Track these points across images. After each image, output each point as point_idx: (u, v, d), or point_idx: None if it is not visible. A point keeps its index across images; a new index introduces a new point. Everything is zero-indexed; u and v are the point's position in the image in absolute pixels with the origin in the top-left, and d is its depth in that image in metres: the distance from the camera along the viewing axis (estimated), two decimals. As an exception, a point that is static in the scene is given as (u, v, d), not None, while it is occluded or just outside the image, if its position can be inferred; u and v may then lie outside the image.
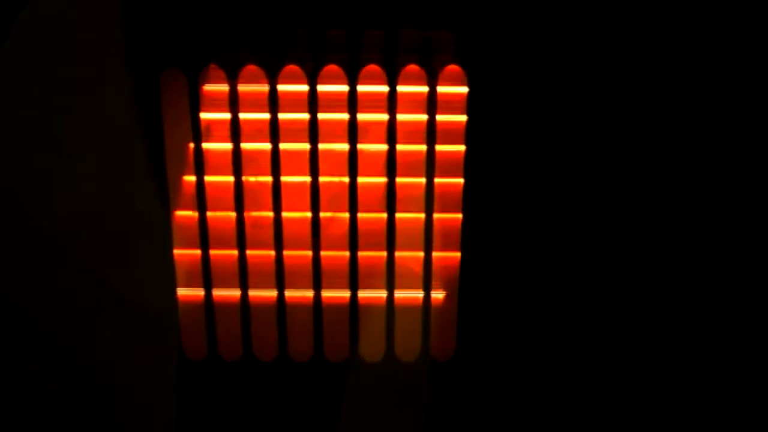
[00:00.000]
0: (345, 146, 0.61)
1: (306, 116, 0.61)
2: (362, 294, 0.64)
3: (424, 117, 0.61)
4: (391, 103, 0.60)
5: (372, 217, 0.63)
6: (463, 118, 0.61)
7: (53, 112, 0.60)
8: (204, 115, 0.61)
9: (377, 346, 0.66)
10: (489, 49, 0.59)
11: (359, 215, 0.63)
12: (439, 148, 0.61)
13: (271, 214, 0.63)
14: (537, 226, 0.63)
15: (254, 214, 0.63)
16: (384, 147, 0.61)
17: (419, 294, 0.65)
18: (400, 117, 0.61)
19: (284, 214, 0.63)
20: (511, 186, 0.62)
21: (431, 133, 0.61)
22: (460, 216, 0.63)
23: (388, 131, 0.61)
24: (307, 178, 0.62)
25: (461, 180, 0.62)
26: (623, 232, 0.63)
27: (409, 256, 0.64)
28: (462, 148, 0.61)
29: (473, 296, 0.65)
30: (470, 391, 0.67)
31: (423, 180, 0.62)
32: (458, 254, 0.64)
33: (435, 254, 0.64)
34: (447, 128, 0.61)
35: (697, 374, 0.67)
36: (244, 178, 0.62)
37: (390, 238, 0.63)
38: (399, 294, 0.65)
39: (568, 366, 0.66)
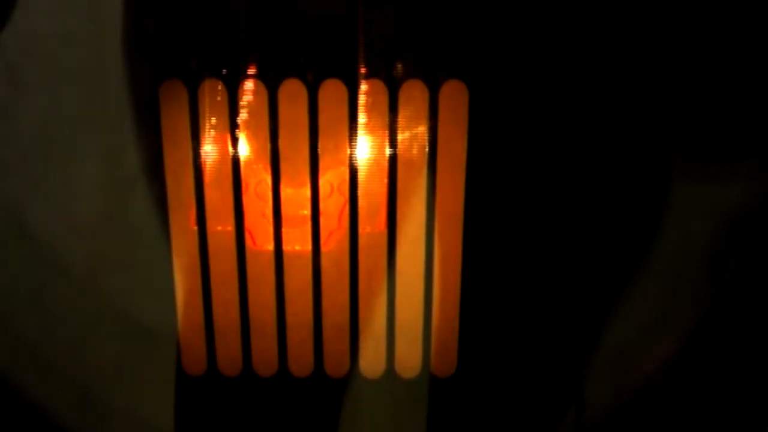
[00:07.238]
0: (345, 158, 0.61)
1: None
2: (363, 309, 0.64)
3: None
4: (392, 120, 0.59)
5: (373, 231, 0.63)
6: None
7: (51, 123, 0.60)
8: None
9: (378, 362, 0.66)
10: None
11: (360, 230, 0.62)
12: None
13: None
14: (538, 242, 0.62)
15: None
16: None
17: (420, 310, 0.64)
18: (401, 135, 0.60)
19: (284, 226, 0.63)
20: (513, 199, 0.61)
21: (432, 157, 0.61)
22: (460, 231, 0.62)
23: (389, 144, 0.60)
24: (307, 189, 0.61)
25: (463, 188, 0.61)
26: (626, 254, 0.63)
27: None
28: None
29: (475, 312, 0.64)
30: (471, 408, 0.67)
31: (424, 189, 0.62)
32: (459, 268, 0.63)
33: (436, 269, 0.63)
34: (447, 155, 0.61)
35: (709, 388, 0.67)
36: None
37: (391, 251, 0.63)
38: (400, 309, 0.64)
39: (571, 383, 0.66)
